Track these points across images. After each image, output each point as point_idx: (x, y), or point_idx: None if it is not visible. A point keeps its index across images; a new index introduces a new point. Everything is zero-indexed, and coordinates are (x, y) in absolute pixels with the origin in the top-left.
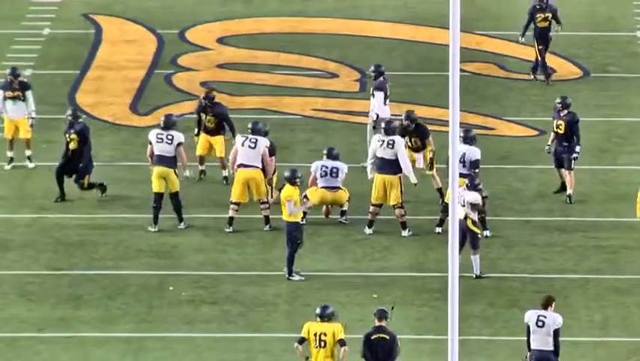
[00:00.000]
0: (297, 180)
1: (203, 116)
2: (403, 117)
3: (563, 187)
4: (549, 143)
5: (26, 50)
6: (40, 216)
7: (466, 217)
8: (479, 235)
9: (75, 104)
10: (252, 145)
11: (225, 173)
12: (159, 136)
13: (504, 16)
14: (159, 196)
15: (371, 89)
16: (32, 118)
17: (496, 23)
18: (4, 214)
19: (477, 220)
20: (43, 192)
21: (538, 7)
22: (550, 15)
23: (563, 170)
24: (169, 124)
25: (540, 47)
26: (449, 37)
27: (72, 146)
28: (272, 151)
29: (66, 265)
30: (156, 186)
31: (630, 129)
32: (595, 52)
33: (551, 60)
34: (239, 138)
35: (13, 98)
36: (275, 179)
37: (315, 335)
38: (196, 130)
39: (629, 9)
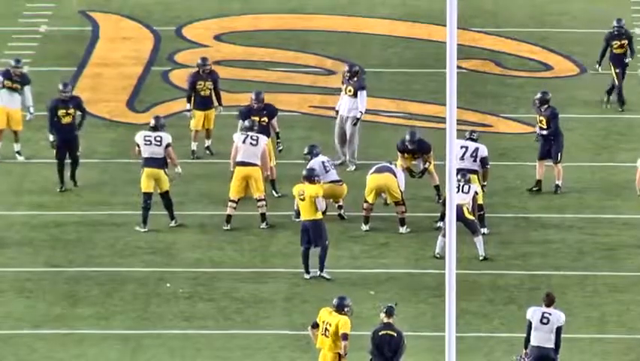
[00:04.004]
0: (317, 178)
1: (200, 84)
2: (407, 137)
3: (538, 184)
4: (537, 131)
5: (23, 47)
6: (37, 213)
7: (461, 206)
8: (475, 220)
9: None
10: (254, 142)
11: (208, 143)
12: (147, 138)
13: (501, 13)
14: (148, 196)
15: (349, 88)
16: (31, 114)
17: (493, 20)
18: (1, 211)
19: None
20: (41, 189)
21: (615, 33)
22: (626, 42)
23: (543, 165)
24: (158, 126)
25: (617, 71)
26: (446, 34)
27: (67, 120)
28: (275, 112)
29: (63, 262)
30: (145, 185)
31: (628, 126)
32: (592, 49)
33: (549, 57)
34: (239, 136)
35: (11, 89)
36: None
37: (323, 322)
38: (188, 105)
39: (626, 6)
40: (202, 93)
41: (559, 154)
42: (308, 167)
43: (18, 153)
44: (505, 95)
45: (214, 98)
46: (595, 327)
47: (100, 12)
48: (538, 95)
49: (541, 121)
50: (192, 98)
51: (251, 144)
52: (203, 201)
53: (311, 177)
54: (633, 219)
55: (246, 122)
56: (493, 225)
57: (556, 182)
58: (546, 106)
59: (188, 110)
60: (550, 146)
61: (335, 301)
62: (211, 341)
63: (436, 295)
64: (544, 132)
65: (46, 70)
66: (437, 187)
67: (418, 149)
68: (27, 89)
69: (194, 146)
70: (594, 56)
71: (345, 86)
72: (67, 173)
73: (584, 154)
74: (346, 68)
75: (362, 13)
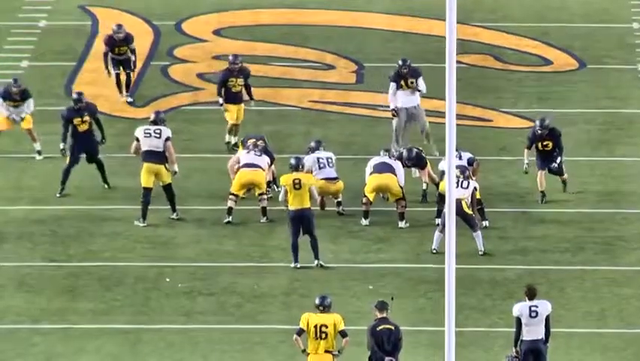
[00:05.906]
0: (303, 165)
1: (232, 81)
2: (404, 155)
3: (543, 194)
4: (527, 162)
5: (23, 41)
6: (37, 208)
7: (460, 201)
8: (474, 215)
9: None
10: (258, 154)
11: (235, 139)
12: (147, 131)
13: (500, 8)
14: (148, 191)
15: (411, 81)
16: (26, 113)
17: (493, 14)
18: (1, 206)
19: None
20: (41, 184)
21: None
22: None
23: (544, 174)
24: (158, 120)
25: None
26: (446, 28)
27: (83, 128)
28: (271, 161)
29: (63, 257)
30: (145, 180)
31: (628, 121)
32: (591, 43)
33: (548, 52)
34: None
35: (15, 106)
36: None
37: (315, 326)
38: (220, 100)
39: (625, 0)
40: (233, 90)
41: (562, 168)
42: (294, 156)
43: (38, 152)
44: (505, 89)
45: (244, 92)
46: (594, 321)
47: (99, 7)
48: (539, 125)
49: (546, 145)
50: (223, 93)
51: (255, 154)
52: (202, 195)
53: (300, 166)
54: (632, 214)
55: (257, 152)
56: (492, 219)
57: (564, 177)
58: (547, 130)
59: (221, 105)
60: (551, 163)
61: (319, 301)
62: (210, 336)
63: (435, 290)
64: (555, 155)
65: (46, 65)
66: (437, 184)
67: (416, 165)
68: (30, 102)
69: (227, 138)
70: (593, 51)
71: (405, 81)
72: (67, 181)
73: (583, 149)
74: (400, 63)
75: (361, 7)
